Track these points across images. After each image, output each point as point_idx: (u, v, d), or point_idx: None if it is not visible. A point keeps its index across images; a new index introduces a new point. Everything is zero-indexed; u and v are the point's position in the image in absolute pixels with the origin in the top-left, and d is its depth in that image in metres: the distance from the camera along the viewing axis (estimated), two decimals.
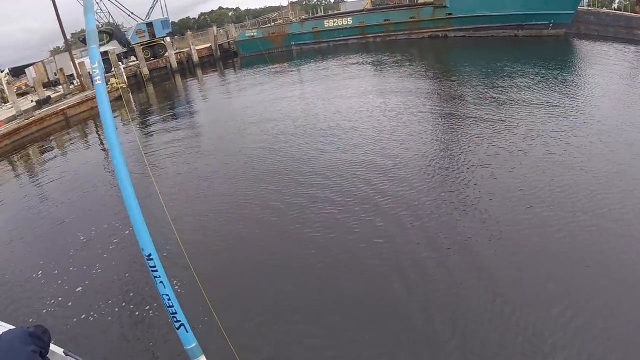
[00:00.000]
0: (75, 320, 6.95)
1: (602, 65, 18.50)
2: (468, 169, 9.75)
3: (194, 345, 1.32)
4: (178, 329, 1.26)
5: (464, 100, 15.05)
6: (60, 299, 7.60)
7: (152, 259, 1.51)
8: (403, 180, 9.56)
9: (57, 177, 14.31)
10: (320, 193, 9.46)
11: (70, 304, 7.41)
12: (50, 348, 4.50)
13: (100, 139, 19.15)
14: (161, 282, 1.52)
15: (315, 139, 12.81)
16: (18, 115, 22.58)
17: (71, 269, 8.43)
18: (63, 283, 8.03)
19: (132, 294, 7.41)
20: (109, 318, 6.84)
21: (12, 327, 4.15)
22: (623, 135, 10.59)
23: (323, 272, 6.95)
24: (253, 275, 7.23)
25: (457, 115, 13.56)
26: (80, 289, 7.77)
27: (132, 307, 7.03)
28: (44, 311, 7.10)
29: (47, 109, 23.69)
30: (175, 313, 1.36)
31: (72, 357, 4.39)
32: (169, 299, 1.36)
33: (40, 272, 8.53)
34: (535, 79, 16.35)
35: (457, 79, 17.59)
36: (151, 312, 6.83)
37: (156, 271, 1.51)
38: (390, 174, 9.93)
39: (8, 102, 25.21)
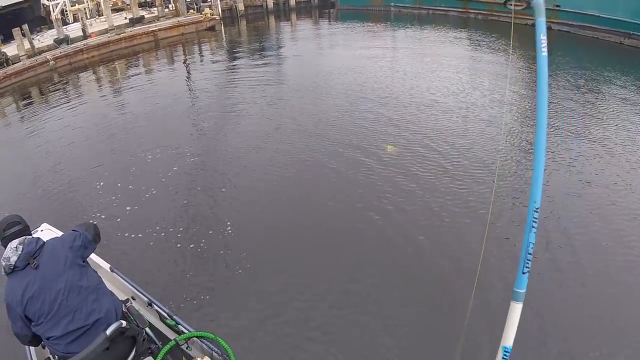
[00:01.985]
0: (120, 236, 6.88)
1: None
2: None
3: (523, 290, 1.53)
4: (523, 273, 1.57)
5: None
6: (111, 213, 7.57)
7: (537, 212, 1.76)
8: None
9: (139, 92, 14.52)
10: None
11: (119, 219, 7.37)
12: (97, 261, 4.61)
13: (186, 64, 19.21)
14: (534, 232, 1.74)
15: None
16: (110, 30, 23.17)
17: (130, 187, 8.38)
18: (117, 199, 7.99)
19: (182, 222, 7.21)
20: (158, 242, 6.75)
21: (61, 234, 4.34)
22: None
23: None
24: None
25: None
26: (131, 208, 7.69)
27: (181, 235, 6.88)
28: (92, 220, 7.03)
29: (138, 27, 24.12)
30: (529, 261, 1.67)
31: (117, 274, 4.45)
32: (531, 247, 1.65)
33: (101, 182, 8.56)
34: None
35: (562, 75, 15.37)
36: (200, 243, 6.68)
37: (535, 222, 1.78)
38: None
39: (102, 15, 25.88)
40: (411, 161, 8.61)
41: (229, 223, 7.02)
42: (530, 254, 1.66)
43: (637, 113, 10.92)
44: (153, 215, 7.35)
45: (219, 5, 28.50)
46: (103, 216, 7.42)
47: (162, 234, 6.87)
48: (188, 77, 16.95)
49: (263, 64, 17.60)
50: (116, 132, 11.16)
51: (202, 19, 25.39)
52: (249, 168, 8.83)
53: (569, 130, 9.89)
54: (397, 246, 6.33)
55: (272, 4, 33.91)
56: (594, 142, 9.32)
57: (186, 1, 27.06)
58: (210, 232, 6.91)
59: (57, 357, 3.14)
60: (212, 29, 25.22)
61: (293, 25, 29.30)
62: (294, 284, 5.66)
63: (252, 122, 11.23)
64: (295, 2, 35.62)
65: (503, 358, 2.26)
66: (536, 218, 1.77)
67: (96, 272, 3.27)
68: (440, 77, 14.06)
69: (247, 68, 17.04)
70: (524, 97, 12.33)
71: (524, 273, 1.64)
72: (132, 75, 17.77)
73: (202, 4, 28.10)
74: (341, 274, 5.86)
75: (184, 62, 19.73)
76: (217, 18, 26.63)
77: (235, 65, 18.06)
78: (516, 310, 2.17)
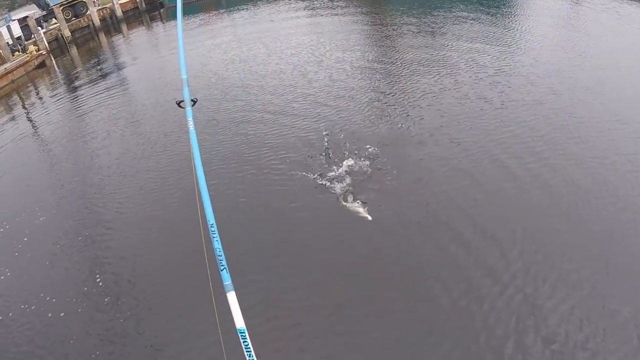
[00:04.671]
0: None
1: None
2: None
3: (228, 282, 1.91)
4: (221, 270, 1.85)
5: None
6: None
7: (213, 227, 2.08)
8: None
9: None
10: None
11: None
12: None
13: (27, 114, 18.38)
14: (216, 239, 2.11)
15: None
16: None
17: None
18: None
19: None
20: None
21: None
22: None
23: None
24: None
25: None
26: None
27: None
28: None
29: None
30: (221, 261, 1.94)
31: None
32: (220, 250, 1.95)
33: None
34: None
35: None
36: None
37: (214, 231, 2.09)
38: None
39: None
40: None
41: None
42: (220, 256, 2.15)
43: None
44: None
45: (44, 39, 26.88)
46: None
47: None
48: (34, 127, 16.42)
49: (105, 88, 17.52)
50: None
51: (28, 58, 23.90)
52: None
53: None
54: None
55: (98, 20, 32.51)
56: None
57: (9, 45, 25.04)
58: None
59: None
60: (42, 65, 23.94)
61: (126, 37, 28.58)
62: None
63: (112, 151, 11.80)
64: (122, 12, 34.44)
65: (241, 337, 2.50)
66: (214, 231, 2.21)
67: None
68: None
69: (91, 96, 16.91)
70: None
71: (221, 270, 2.12)
72: None
73: (25, 42, 26.25)
74: None
75: (26, 113, 18.78)
76: (45, 53, 25.24)
77: (77, 96, 17.74)
78: (233, 298, 2.46)
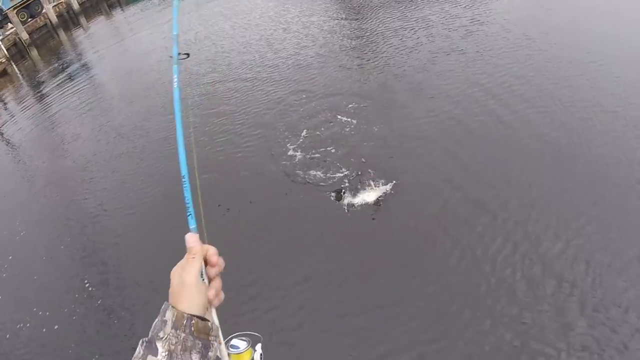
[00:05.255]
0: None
1: None
2: None
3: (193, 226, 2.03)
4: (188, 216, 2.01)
5: None
6: None
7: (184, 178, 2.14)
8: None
9: None
10: None
11: None
12: None
13: None
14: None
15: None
16: None
17: None
18: None
19: None
20: None
21: None
22: None
23: None
24: None
25: None
26: None
27: None
28: None
29: None
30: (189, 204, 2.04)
31: None
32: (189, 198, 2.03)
33: None
34: None
35: None
36: None
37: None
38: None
39: None
40: None
41: None
42: (188, 204, 2.21)
43: None
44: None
45: (2, 46, 25.85)
46: None
47: None
48: (3, 138, 15.95)
49: (73, 88, 16.84)
50: None
51: None
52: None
53: None
54: None
55: (55, 17, 31.22)
56: None
57: None
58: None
59: None
60: (4, 74, 23.10)
61: (86, 30, 27.56)
62: None
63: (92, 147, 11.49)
64: (79, 4, 33.04)
65: None
66: (185, 182, 2.37)
67: None
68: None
69: (59, 98, 16.32)
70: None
71: (188, 215, 2.16)
72: None
73: None
74: None
75: None
76: (4, 60, 24.33)
77: (45, 101, 17.12)
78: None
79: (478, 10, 12.57)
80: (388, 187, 7.31)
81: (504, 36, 11.12)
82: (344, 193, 7.47)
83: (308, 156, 8.50)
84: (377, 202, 7.17)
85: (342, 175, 7.85)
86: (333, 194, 7.58)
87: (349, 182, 7.67)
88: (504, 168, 7.36)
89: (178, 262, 1.29)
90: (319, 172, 8.05)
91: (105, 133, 11.99)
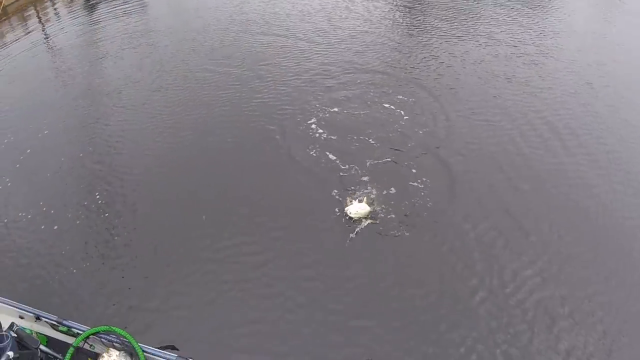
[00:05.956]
0: None
1: None
2: None
3: None
4: None
5: None
6: None
7: None
8: None
9: None
10: None
11: None
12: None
13: (43, 29, 17.69)
14: None
15: None
16: None
17: None
18: None
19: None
20: None
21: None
22: None
23: None
24: None
25: None
26: None
27: None
28: None
29: None
30: None
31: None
32: None
33: None
34: None
35: None
36: None
37: None
38: None
39: None
40: None
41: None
42: None
43: None
44: None
45: None
46: None
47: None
48: (48, 39, 15.83)
49: (128, 12, 16.78)
50: None
51: None
52: None
53: None
54: None
55: None
56: None
57: None
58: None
59: None
60: None
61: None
62: None
63: None
64: None
65: None
66: None
67: None
68: None
69: (113, 17, 16.21)
70: None
71: None
72: None
73: None
74: None
75: (41, 26, 17.99)
76: None
77: (99, 18, 17.03)
78: None
79: (546, 42, 12.17)
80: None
81: (567, 76, 10.75)
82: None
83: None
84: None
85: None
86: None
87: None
88: (544, 198, 7.34)
89: None
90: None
91: (148, 64, 11.88)
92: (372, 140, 8.40)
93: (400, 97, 9.61)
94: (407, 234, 6.64)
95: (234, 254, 6.46)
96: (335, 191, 7.36)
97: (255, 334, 5.55)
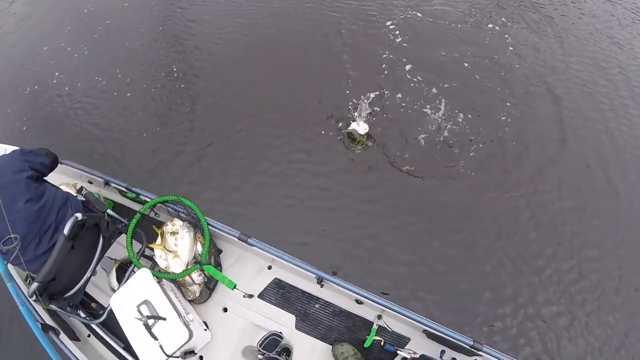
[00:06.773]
0: None
1: None
2: None
3: None
4: None
5: None
6: None
7: None
8: None
9: None
10: None
11: None
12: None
13: None
14: None
15: None
16: None
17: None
18: None
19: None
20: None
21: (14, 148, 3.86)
22: None
23: None
24: None
25: None
26: None
27: None
28: None
29: None
30: None
31: (65, 164, 4.15)
32: None
33: None
34: None
35: None
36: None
37: None
38: None
39: None
40: None
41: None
42: None
43: None
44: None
45: None
46: None
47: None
48: None
49: None
50: None
51: None
52: None
53: None
54: None
55: None
56: None
57: None
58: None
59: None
60: None
61: None
62: None
63: None
64: None
65: None
66: None
67: (48, 183, 3.06)
68: None
69: None
70: None
71: None
72: None
73: None
74: None
75: None
76: None
77: None
78: None
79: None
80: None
81: None
82: None
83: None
84: None
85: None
86: None
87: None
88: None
89: None
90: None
91: None
92: (464, 60, 7.18)
93: (511, 23, 8.13)
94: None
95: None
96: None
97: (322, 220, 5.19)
